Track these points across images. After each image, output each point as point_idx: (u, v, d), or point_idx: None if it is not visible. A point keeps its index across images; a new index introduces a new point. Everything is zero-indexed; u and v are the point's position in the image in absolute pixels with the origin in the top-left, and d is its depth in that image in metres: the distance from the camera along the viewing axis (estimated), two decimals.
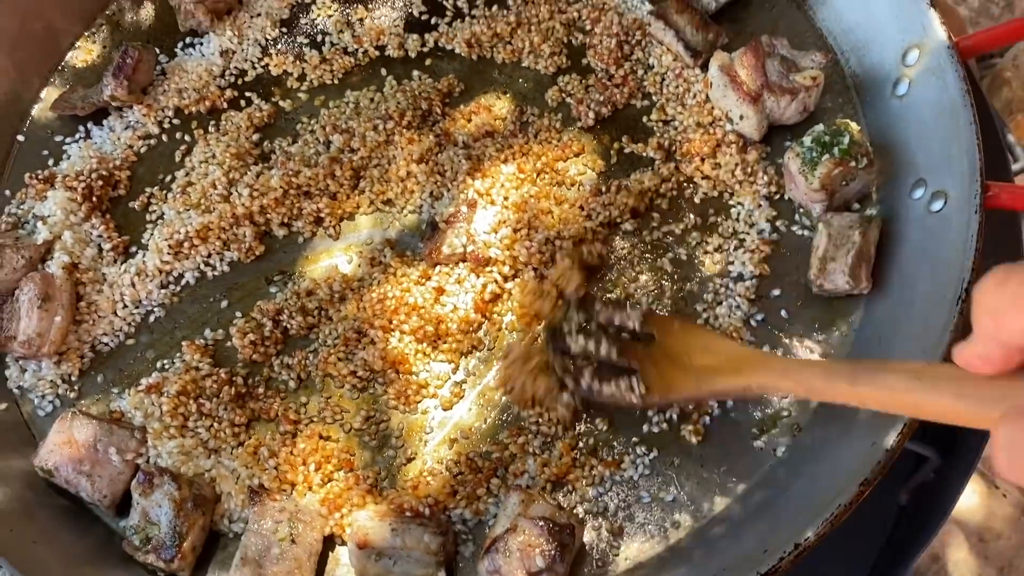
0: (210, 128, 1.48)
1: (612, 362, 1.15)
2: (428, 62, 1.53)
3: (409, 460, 1.23)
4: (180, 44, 1.57)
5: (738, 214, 1.35)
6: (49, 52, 1.57)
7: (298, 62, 1.53)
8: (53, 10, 1.55)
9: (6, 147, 1.50)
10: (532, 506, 1.10)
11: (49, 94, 1.54)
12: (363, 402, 1.27)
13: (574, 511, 1.17)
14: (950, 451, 1.32)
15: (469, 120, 1.46)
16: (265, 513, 1.14)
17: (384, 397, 1.27)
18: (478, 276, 1.32)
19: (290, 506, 1.15)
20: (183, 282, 1.37)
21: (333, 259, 1.38)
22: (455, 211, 1.34)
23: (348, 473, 1.22)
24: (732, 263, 1.32)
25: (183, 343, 1.31)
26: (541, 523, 1.06)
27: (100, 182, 1.42)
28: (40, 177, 1.43)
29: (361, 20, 1.57)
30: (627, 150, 1.43)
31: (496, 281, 1.31)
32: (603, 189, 1.38)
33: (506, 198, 1.37)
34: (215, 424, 1.24)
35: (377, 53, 1.54)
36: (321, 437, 1.24)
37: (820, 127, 1.29)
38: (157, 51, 1.55)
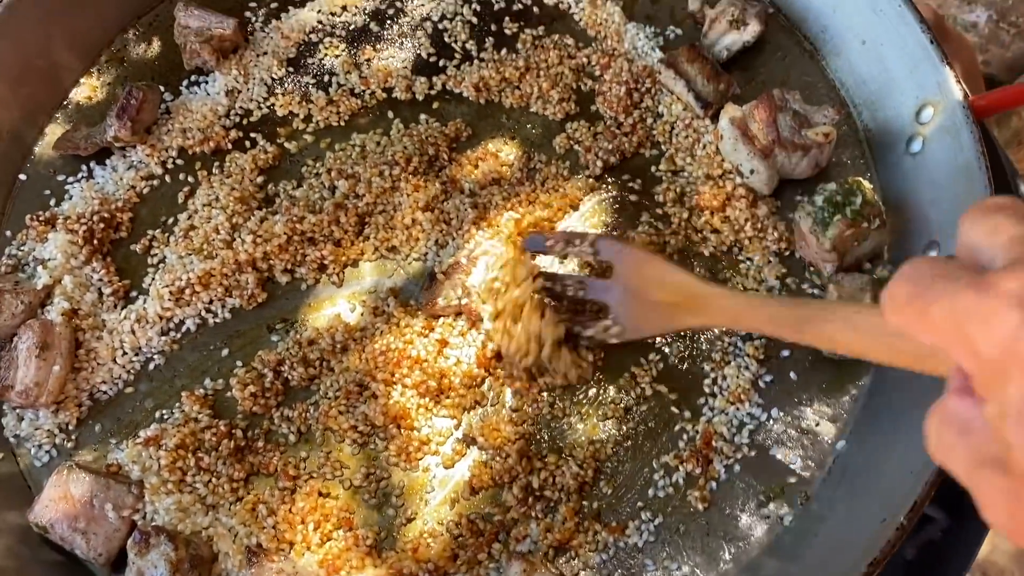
0: (214, 169, 1.46)
1: (584, 302, 1.25)
2: (436, 105, 1.51)
3: (409, 520, 1.21)
4: (185, 82, 1.55)
5: (747, 270, 1.33)
6: (53, 89, 1.55)
7: (304, 103, 1.51)
8: (58, 46, 1.53)
9: (8, 186, 1.48)
10: None
11: (52, 132, 1.52)
12: (364, 458, 1.25)
13: None
14: (959, 513, 1.29)
15: (476, 166, 1.44)
16: (263, 575, 1.12)
17: (385, 453, 1.24)
18: (479, 331, 1.30)
19: (288, 568, 1.13)
20: (184, 329, 1.35)
21: (336, 307, 1.36)
22: (455, 262, 1.32)
23: (347, 532, 1.19)
24: None
25: (182, 393, 1.29)
26: None
27: (102, 224, 1.40)
28: (41, 218, 1.41)
29: (369, 61, 1.55)
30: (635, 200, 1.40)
31: None
32: None
33: None
34: (213, 479, 1.22)
35: (384, 95, 1.52)
36: (320, 494, 1.22)
37: (832, 186, 1.27)
38: (162, 89, 1.53)
